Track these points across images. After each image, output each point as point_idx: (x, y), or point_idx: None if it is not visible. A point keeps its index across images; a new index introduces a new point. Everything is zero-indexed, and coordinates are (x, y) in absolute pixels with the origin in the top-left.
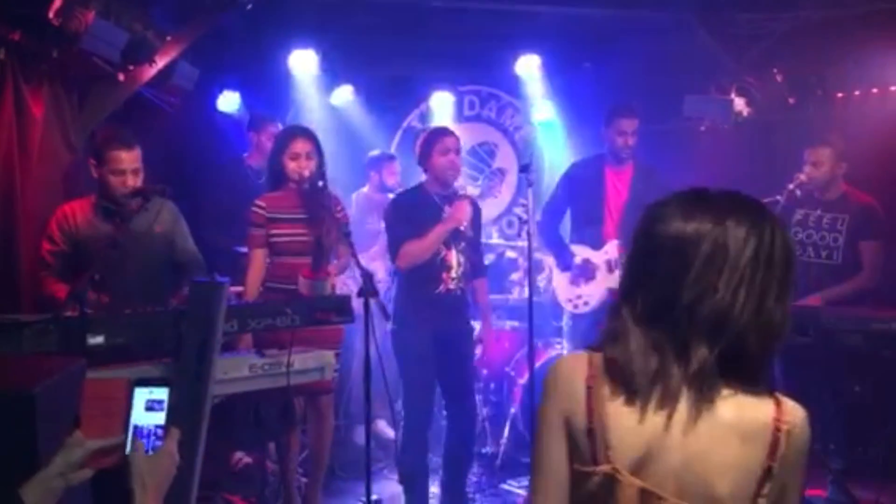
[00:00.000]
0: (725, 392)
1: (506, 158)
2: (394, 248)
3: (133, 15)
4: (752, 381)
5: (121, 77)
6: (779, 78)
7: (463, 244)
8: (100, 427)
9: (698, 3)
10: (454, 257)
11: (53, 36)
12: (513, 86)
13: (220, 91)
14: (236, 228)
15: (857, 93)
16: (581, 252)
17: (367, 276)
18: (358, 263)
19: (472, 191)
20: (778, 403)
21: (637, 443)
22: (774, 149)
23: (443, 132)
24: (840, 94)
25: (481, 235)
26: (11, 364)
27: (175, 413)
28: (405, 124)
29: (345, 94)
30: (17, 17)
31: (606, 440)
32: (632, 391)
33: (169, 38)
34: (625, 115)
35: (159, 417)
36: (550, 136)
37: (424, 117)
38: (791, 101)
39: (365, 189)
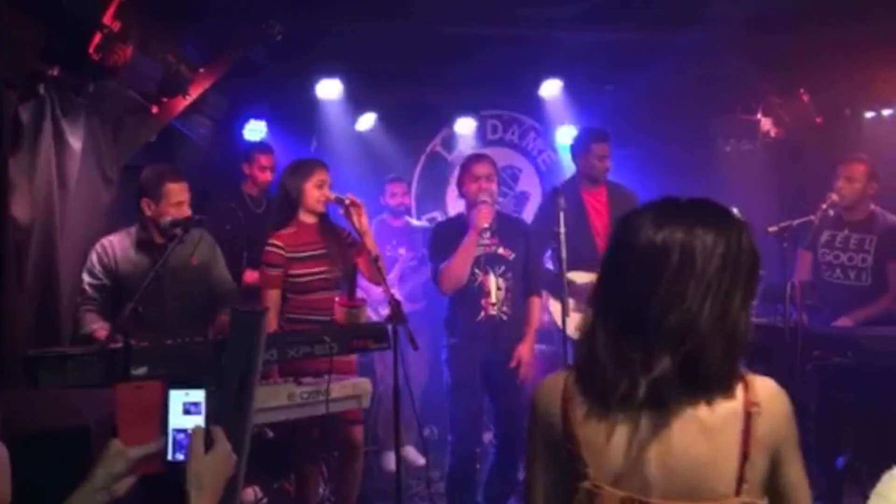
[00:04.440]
0: (690, 397)
1: (529, 182)
2: (435, 275)
3: (167, 48)
4: (717, 386)
5: (154, 109)
6: (805, 98)
7: (503, 268)
8: (137, 433)
9: (723, 24)
10: (492, 282)
11: (92, 70)
12: (535, 110)
13: (247, 120)
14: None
15: (886, 112)
16: (580, 278)
17: (396, 303)
18: (387, 290)
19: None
20: (747, 387)
21: (613, 455)
22: (802, 169)
23: (474, 159)
24: (869, 114)
25: (536, 257)
26: (63, 398)
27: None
28: (428, 149)
29: (369, 121)
30: (57, 53)
31: (583, 458)
32: (604, 405)
33: (202, 70)
34: (601, 139)
35: (199, 420)
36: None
37: (448, 142)
38: (818, 120)
39: (383, 215)
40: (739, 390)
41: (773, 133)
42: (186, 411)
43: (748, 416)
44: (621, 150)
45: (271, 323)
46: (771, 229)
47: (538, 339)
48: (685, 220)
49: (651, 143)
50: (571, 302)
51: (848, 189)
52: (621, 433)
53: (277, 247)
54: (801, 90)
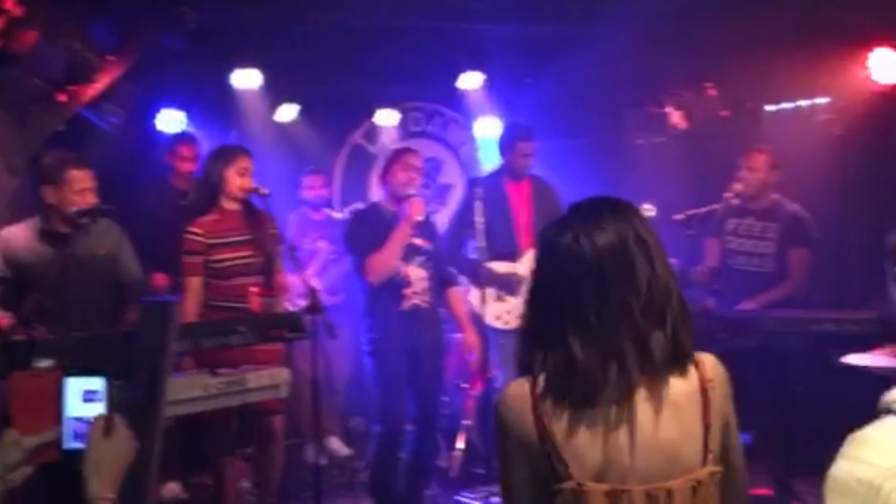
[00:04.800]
0: (661, 379)
1: (451, 174)
2: (360, 264)
3: (74, 34)
4: (681, 358)
5: (61, 97)
6: (712, 92)
7: (422, 258)
8: (33, 423)
9: (633, 18)
10: (413, 272)
11: None
12: (457, 102)
13: (160, 110)
14: (161, 249)
15: (786, 106)
16: (500, 268)
17: (313, 293)
18: (306, 280)
19: None
20: (698, 365)
21: (591, 451)
22: (710, 160)
23: (407, 150)
24: (770, 107)
25: (445, 249)
26: None
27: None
28: (351, 141)
29: (290, 112)
30: None
31: (563, 459)
32: (577, 405)
33: (111, 57)
34: (522, 137)
35: (99, 408)
36: (494, 152)
37: (370, 134)
38: (724, 114)
39: (304, 208)
40: (693, 370)
41: (681, 126)
42: (88, 399)
43: (705, 390)
44: (541, 143)
45: (192, 311)
46: (676, 217)
47: (456, 329)
48: (620, 214)
49: (569, 135)
50: (492, 291)
51: (751, 178)
52: (596, 429)
53: (197, 234)
54: (708, 84)
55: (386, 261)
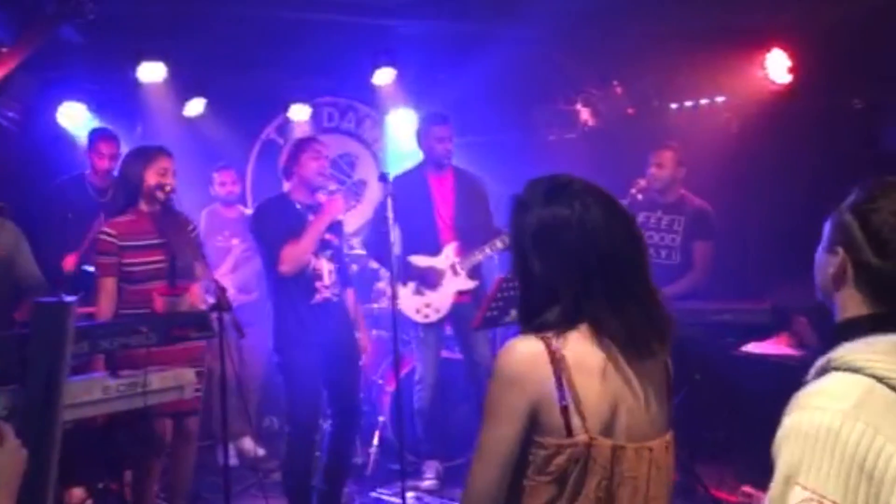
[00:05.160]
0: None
1: (366, 169)
2: (274, 255)
3: None
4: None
5: None
6: (619, 90)
7: (330, 252)
8: None
9: (543, 18)
10: (324, 265)
11: None
12: (371, 97)
13: (61, 103)
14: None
15: (688, 104)
16: (421, 262)
17: (221, 291)
18: (213, 279)
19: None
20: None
21: (603, 407)
22: (618, 156)
23: (313, 138)
24: (674, 105)
25: (343, 247)
26: None
27: (24, 442)
28: (263, 137)
29: (197, 106)
30: None
31: (581, 412)
32: (596, 362)
33: (4, 49)
34: (438, 122)
35: None
36: (409, 147)
37: (283, 130)
38: (630, 111)
39: (216, 205)
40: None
41: (590, 122)
42: None
43: (668, 365)
44: (457, 139)
45: (107, 312)
46: None
47: (373, 324)
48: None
49: (484, 131)
50: (412, 285)
51: (659, 174)
52: (608, 387)
53: (110, 235)
54: (615, 83)
55: (303, 251)
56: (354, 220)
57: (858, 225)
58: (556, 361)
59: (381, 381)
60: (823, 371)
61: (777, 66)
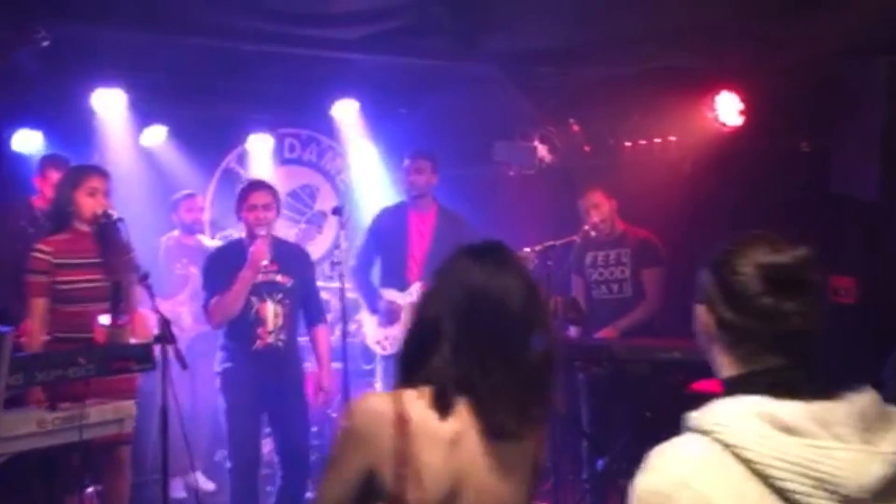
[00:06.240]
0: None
1: (327, 201)
2: (204, 308)
3: None
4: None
5: None
6: (575, 128)
7: (280, 295)
8: None
9: (503, 56)
10: (270, 310)
11: None
12: (333, 129)
13: (16, 130)
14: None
15: (642, 142)
16: (388, 295)
17: (165, 323)
18: (157, 309)
19: (289, 232)
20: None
21: (443, 480)
22: (574, 192)
23: (251, 187)
24: (628, 143)
25: (314, 282)
26: None
27: None
28: (223, 166)
29: (156, 135)
30: None
31: (418, 483)
32: (446, 431)
33: None
34: (413, 156)
35: None
36: (371, 180)
37: (243, 160)
38: (587, 148)
39: (175, 233)
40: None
41: (548, 159)
42: None
43: (539, 447)
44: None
45: (37, 334)
46: (527, 250)
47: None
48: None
49: (444, 166)
50: (377, 316)
51: (597, 214)
52: (454, 460)
53: (43, 252)
54: (571, 120)
55: (227, 306)
56: (315, 251)
57: (714, 281)
58: (401, 425)
59: (334, 415)
60: (684, 428)
61: (727, 109)
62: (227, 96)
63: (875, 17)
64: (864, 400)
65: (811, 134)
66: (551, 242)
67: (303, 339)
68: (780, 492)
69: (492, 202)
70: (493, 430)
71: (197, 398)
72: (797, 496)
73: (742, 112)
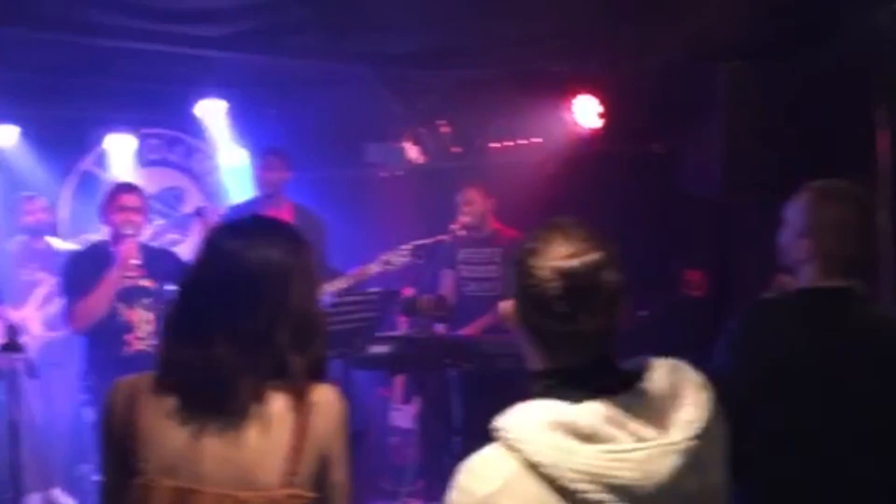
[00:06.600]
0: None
1: (195, 203)
2: (67, 311)
3: None
4: (291, 379)
5: None
6: (445, 129)
7: (149, 300)
8: None
9: (372, 57)
10: (139, 315)
11: None
12: (199, 130)
13: None
14: None
15: (508, 143)
16: None
17: (12, 331)
18: (2, 316)
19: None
20: (309, 392)
21: (172, 449)
22: (445, 192)
23: (122, 189)
24: (495, 144)
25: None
26: None
27: None
28: (81, 168)
29: (7, 136)
30: None
31: (143, 454)
32: (181, 405)
33: None
34: (258, 154)
35: None
36: (240, 181)
37: (103, 161)
38: (455, 149)
39: (21, 237)
40: (301, 390)
41: (419, 160)
42: None
43: (305, 415)
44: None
45: None
46: (404, 248)
47: None
48: (288, 236)
49: (316, 167)
50: None
51: (469, 212)
52: (184, 429)
53: None
54: (441, 122)
55: (90, 309)
56: (183, 255)
57: (516, 280)
58: (136, 398)
59: None
60: (493, 437)
61: (586, 111)
62: (85, 95)
63: (715, 25)
64: (658, 380)
65: (663, 136)
66: (421, 241)
67: None
68: (581, 502)
69: (363, 203)
70: (212, 405)
71: (53, 410)
72: None
73: (600, 115)
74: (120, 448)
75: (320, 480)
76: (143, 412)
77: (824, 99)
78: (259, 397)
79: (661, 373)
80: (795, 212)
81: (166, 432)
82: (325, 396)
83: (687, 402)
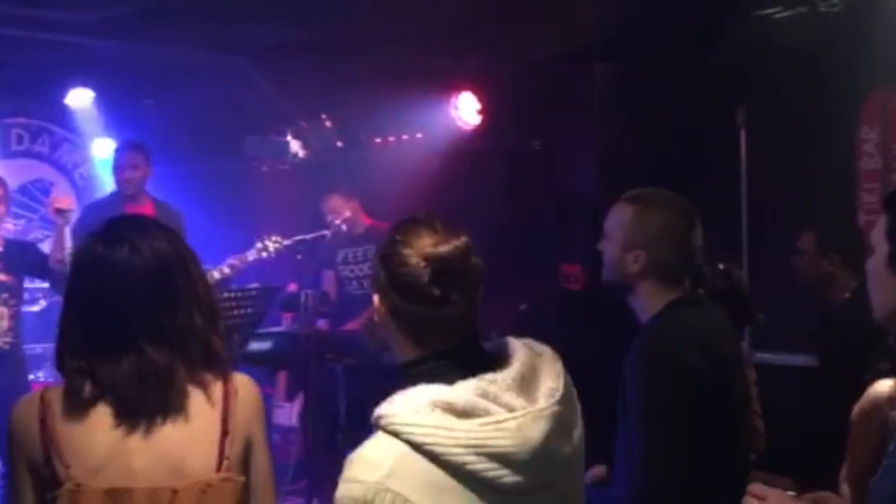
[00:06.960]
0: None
1: (65, 196)
2: None
3: None
4: (210, 367)
5: None
6: (328, 123)
7: (6, 295)
8: None
9: (253, 49)
10: None
11: None
12: (69, 120)
13: None
14: None
15: (390, 138)
16: None
17: None
18: None
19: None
20: (228, 379)
21: (96, 453)
22: (328, 187)
23: None
24: (377, 140)
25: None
26: None
27: None
28: None
29: None
30: None
31: (64, 461)
32: (112, 411)
33: None
34: (119, 149)
35: None
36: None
37: None
38: (339, 144)
39: None
40: (219, 383)
41: (301, 154)
42: None
43: (227, 399)
44: (164, 167)
45: None
46: (285, 242)
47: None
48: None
49: (193, 160)
50: None
51: (339, 217)
52: (103, 430)
53: None
54: (324, 116)
55: None
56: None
57: (385, 272)
58: (44, 411)
59: None
60: (375, 427)
61: (467, 108)
62: None
63: (591, 26)
64: (520, 357)
65: (542, 134)
66: (302, 236)
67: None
68: (468, 475)
69: (243, 197)
70: (151, 406)
71: None
72: (483, 475)
73: (480, 112)
74: (34, 464)
75: (245, 464)
76: (62, 424)
77: (695, 99)
78: (198, 386)
79: (521, 350)
80: (620, 224)
81: (91, 436)
82: (244, 382)
83: (546, 373)
